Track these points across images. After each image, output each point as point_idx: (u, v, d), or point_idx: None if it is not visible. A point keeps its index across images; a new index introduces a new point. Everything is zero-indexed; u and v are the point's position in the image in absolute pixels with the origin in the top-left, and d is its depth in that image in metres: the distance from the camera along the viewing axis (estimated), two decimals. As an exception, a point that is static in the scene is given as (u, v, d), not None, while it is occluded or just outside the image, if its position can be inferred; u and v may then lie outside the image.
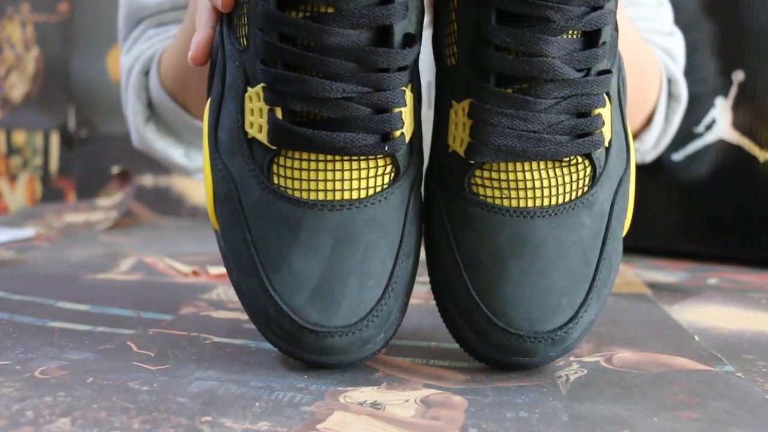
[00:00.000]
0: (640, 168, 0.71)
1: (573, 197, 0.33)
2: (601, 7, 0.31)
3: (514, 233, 0.32)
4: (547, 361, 0.32)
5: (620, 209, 0.34)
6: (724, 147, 0.66)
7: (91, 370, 0.31)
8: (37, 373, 0.30)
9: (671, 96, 0.63)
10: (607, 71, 0.32)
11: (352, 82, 0.30)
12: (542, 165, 0.32)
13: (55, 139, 2.10)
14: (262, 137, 0.32)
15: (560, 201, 0.32)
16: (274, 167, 0.32)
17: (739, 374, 0.33)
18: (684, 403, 0.29)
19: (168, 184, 2.16)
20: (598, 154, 0.33)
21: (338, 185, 0.32)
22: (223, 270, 0.53)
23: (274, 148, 0.31)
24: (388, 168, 0.32)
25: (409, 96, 0.32)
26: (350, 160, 0.31)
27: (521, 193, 0.32)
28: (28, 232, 0.72)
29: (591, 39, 0.31)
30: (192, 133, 0.61)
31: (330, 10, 0.29)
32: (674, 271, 0.61)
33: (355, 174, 0.32)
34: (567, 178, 0.33)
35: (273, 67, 0.31)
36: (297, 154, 0.32)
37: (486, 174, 0.33)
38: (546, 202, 0.32)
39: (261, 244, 0.32)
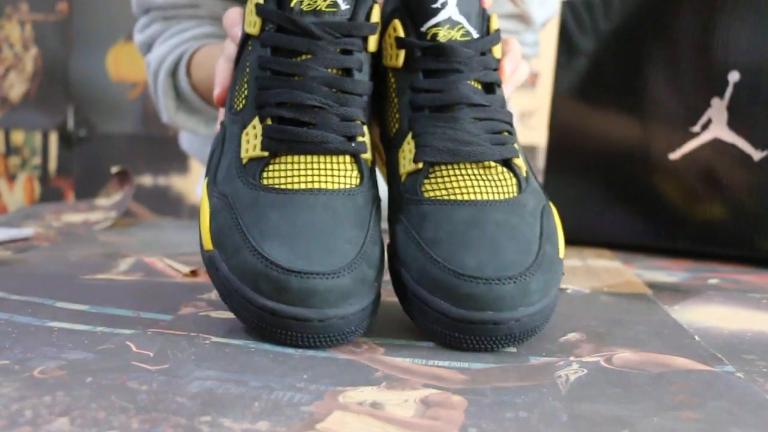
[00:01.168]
0: (638, 167, 0.71)
1: (506, 197, 0.40)
2: (492, 69, 0.43)
3: (465, 216, 0.38)
4: (516, 329, 0.35)
5: (549, 223, 0.40)
6: (719, 146, 0.66)
7: (90, 370, 0.31)
8: (36, 372, 0.30)
9: None
10: (508, 113, 0.42)
11: (325, 97, 0.39)
12: (474, 170, 0.40)
13: (53, 139, 2.10)
14: (256, 152, 0.39)
15: (497, 198, 0.40)
16: (264, 173, 0.39)
17: (739, 374, 0.33)
18: (684, 403, 0.29)
19: (167, 184, 2.16)
20: (518, 170, 0.41)
21: (316, 179, 0.39)
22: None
23: (266, 155, 0.39)
24: (355, 173, 0.40)
25: (365, 129, 0.41)
26: (325, 162, 0.39)
27: (465, 191, 0.39)
28: (26, 231, 0.72)
29: (488, 87, 0.42)
30: (216, 109, 0.75)
31: (309, 56, 0.40)
32: (675, 271, 0.61)
33: (329, 171, 0.39)
34: (499, 183, 0.40)
35: (267, 90, 0.40)
36: (283, 159, 0.39)
37: (433, 180, 0.40)
38: (485, 197, 0.39)
39: (252, 224, 0.37)
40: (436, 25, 0.41)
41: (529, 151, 2.08)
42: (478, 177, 0.40)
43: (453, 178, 0.40)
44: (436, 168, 0.40)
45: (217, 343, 0.36)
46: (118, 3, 2.01)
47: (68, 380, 0.29)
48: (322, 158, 0.39)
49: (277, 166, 0.39)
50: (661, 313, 0.45)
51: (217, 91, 0.46)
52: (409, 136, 0.41)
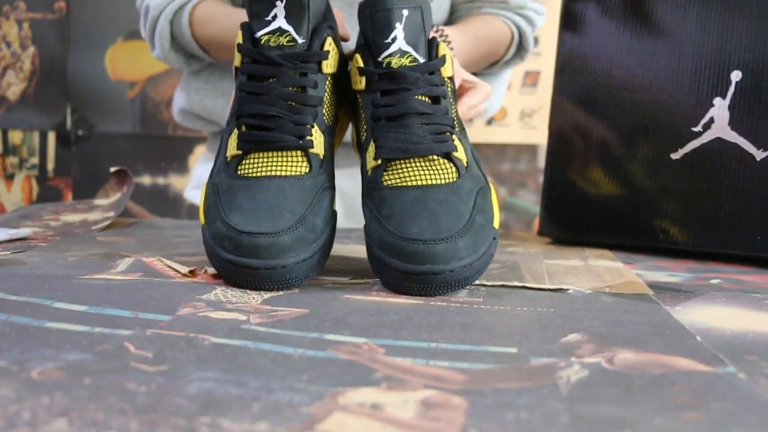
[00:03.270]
0: (640, 167, 0.71)
1: (447, 182, 0.51)
2: (437, 85, 0.54)
3: (413, 197, 0.50)
4: (451, 278, 0.46)
5: (483, 201, 0.51)
6: (721, 146, 0.66)
7: (89, 371, 0.31)
8: (34, 373, 0.30)
9: (522, 47, 0.93)
10: (450, 118, 0.54)
11: (282, 108, 0.52)
12: (422, 163, 0.52)
13: (51, 139, 2.09)
14: (234, 152, 0.53)
15: (439, 183, 0.51)
16: (240, 166, 0.52)
17: (741, 375, 0.33)
18: (686, 404, 0.29)
19: (166, 184, 2.16)
20: (458, 162, 0.52)
21: (274, 169, 0.51)
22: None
23: (240, 152, 0.52)
24: (304, 163, 0.52)
25: (316, 129, 0.53)
26: (281, 156, 0.52)
27: (413, 179, 0.51)
28: (24, 231, 0.71)
29: (434, 99, 0.54)
30: (211, 58, 0.88)
31: (274, 80, 0.53)
32: (676, 272, 0.61)
33: (284, 163, 0.52)
34: (441, 171, 0.52)
35: (242, 106, 0.53)
36: (253, 155, 0.52)
37: (391, 172, 0.52)
38: (429, 183, 0.51)
39: (226, 203, 0.50)
40: (389, 55, 0.53)
41: (530, 151, 2.08)
42: (424, 168, 0.52)
43: (405, 170, 0.52)
44: (392, 163, 0.52)
45: (216, 343, 0.36)
46: (116, 2, 2.01)
47: (66, 381, 0.29)
48: (279, 153, 0.52)
49: (248, 161, 0.52)
50: (662, 313, 0.45)
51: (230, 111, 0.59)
52: (372, 141, 0.53)
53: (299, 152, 0.52)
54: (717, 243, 0.67)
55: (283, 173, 0.51)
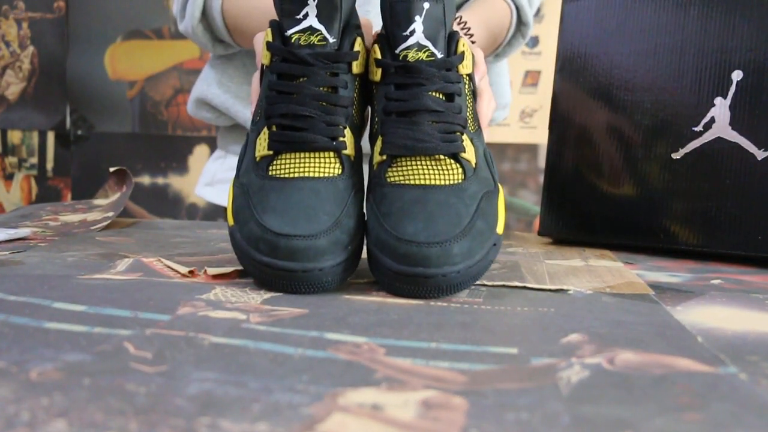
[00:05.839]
0: (641, 166, 0.71)
1: (451, 183, 0.51)
2: (452, 83, 0.53)
3: (413, 196, 0.49)
4: (443, 283, 0.46)
5: (488, 205, 0.50)
6: (722, 145, 0.66)
7: (88, 372, 0.31)
8: (33, 374, 0.30)
9: (521, 22, 0.91)
10: (462, 117, 0.53)
11: (314, 108, 0.51)
12: (428, 162, 0.51)
13: (51, 138, 2.09)
14: (265, 152, 0.52)
15: (442, 183, 0.50)
16: (270, 167, 0.52)
17: (742, 376, 0.33)
18: (687, 404, 0.29)
19: (165, 184, 2.16)
20: (465, 163, 0.52)
21: (307, 170, 0.51)
22: (220, 270, 0.53)
23: (271, 152, 0.52)
24: (337, 164, 0.52)
25: (348, 131, 0.53)
26: (314, 157, 0.51)
27: (417, 178, 0.51)
28: (23, 231, 0.71)
29: (448, 97, 0.53)
30: (233, 42, 0.87)
31: (305, 79, 0.52)
32: (677, 272, 0.61)
33: (317, 164, 0.51)
34: (446, 172, 0.51)
35: (273, 105, 0.52)
36: (284, 156, 0.52)
37: (395, 169, 0.52)
38: (432, 182, 0.50)
39: (258, 204, 0.49)
40: (407, 48, 0.52)
41: (530, 151, 2.08)
42: (430, 167, 0.51)
43: (409, 167, 0.51)
44: (397, 159, 0.52)
45: (216, 343, 0.35)
46: (115, 1, 2.01)
47: (66, 382, 0.29)
48: (312, 154, 0.51)
49: (279, 161, 0.51)
50: (663, 313, 0.45)
51: (252, 108, 0.58)
52: (380, 135, 0.53)
53: (332, 153, 0.52)
54: (718, 243, 0.67)
55: (317, 175, 0.51)
